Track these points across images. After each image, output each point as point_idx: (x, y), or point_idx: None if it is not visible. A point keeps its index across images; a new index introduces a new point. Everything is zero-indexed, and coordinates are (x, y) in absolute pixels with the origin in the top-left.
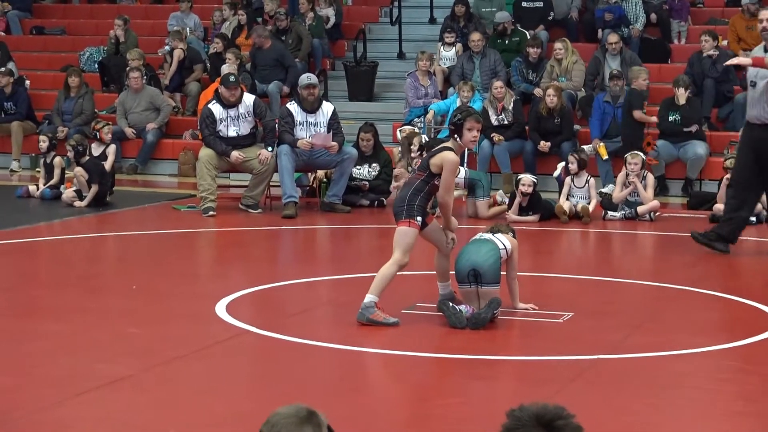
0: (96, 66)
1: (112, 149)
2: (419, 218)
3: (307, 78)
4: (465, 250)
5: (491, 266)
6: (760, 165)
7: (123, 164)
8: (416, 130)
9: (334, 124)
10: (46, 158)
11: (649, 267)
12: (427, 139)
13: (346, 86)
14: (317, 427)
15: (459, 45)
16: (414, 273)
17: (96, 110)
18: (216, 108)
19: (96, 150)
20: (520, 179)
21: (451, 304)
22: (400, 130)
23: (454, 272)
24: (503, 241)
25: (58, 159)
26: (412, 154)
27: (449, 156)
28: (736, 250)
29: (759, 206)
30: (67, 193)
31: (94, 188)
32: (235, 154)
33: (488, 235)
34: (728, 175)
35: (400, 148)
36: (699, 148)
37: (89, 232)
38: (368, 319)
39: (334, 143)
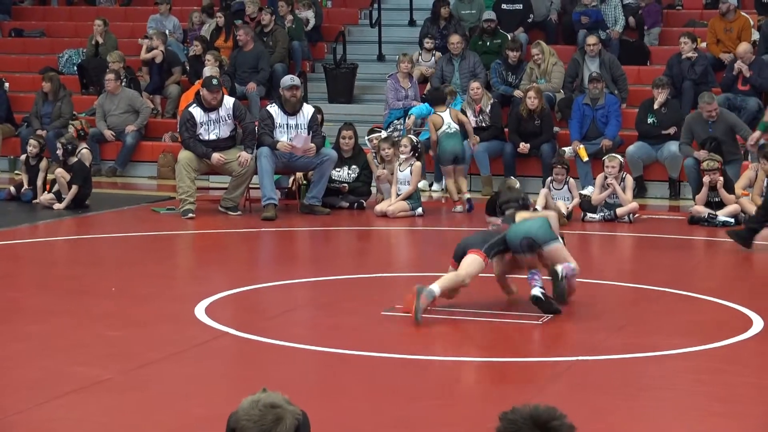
0: (75, 68)
1: (85, 154)
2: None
3: (290, 79)
4: (513, 227)
5: (540, 227)
6: None
7: (102, 167)
8: (383, 135)
9: (313, 125)
10: (30, 161)
11: (629, 268)
12: (415, 139)
13: (325, 88)
14: None
15: (438, 53)
16: (393, 275)
17: (75, 113)
18: (196, 111)
19: None
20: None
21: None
22: (368, 139)
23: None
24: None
25: (44, 162)
26: (403, 156)
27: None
28: (715, 251)
29: (737, 207)
30: (45, 195)
31: (74, 189)
32: (217, 156)
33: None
34: (707, 178)
35: (377, 154)
36: (673, 146)
37: (68, 235)
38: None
39: (312, 145)
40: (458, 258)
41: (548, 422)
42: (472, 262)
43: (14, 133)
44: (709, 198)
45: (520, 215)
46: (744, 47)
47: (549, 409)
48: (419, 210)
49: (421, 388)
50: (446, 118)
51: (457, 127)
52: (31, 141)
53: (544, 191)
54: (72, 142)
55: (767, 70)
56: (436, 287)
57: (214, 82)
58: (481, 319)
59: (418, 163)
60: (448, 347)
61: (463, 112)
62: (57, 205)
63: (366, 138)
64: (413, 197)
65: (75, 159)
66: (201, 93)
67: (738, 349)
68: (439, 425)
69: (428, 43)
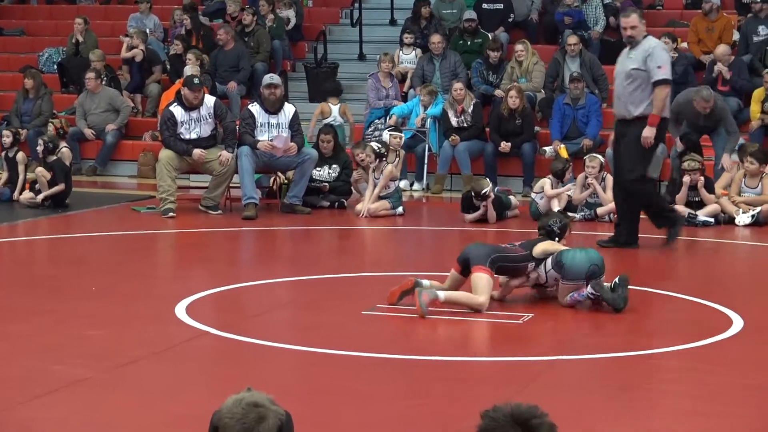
0: (55, 67)
1: (65, 153)
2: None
3: (269, 78)
4: (571, 254)
5: (601, 259)
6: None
7: (82, 165)
8: (400, 134)
9: (294, 125)
10: (8, 153)
11: (608, 268)
12: (377, 146)
13: (306, 87)
14: None
15: (418, 50)
16: (374, 274)
17: (55, 111)
18: (177, 110)
19: None
20: (485, 192)
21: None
22: (390, 135)
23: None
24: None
25: (21, 154)
26: (371, 165)
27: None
28: (695, 250)
29: (717, 207)
30: (25, 194)
31: (61, 186)
32: (198, 152)
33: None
34: (687, 177)
35: (387, 153)
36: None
37: (48, 234)
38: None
39: (293, 144)
40: (462, 263)
41: (529, 420)
42: (486, 285)
43: None
44: (689, 197)
45: (542, 246)
46: (722, 49)
47: (530, 407)
48: (400, 209)
49: (401, 388)
50: (335, 111)
51: (342, 120)
52: (4, 132)
53: (547, 181)
54: (53, 141)
55: (746, 71)
56: (441, 295)
57: (196, 81)
58: (461, 319)
59: (389, 166)
60: (429, 347)
61: (445, 111)
62: (39, 196)
63: (388, 133)
64: (394, 197)
65: (54, 157)
66: (182, 92)
67: (718, 349)
68: (419, 424)
69: (408, 38)
